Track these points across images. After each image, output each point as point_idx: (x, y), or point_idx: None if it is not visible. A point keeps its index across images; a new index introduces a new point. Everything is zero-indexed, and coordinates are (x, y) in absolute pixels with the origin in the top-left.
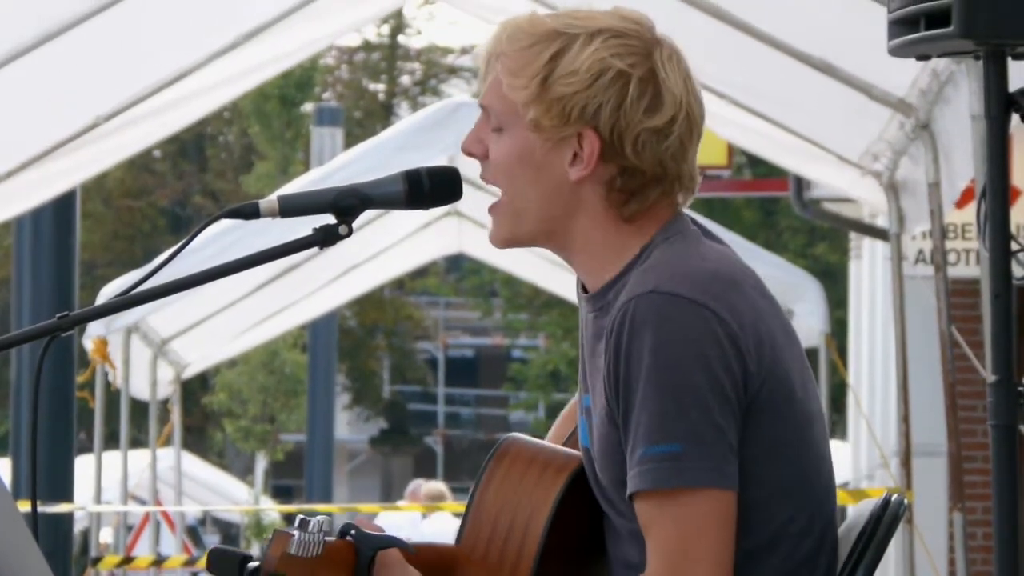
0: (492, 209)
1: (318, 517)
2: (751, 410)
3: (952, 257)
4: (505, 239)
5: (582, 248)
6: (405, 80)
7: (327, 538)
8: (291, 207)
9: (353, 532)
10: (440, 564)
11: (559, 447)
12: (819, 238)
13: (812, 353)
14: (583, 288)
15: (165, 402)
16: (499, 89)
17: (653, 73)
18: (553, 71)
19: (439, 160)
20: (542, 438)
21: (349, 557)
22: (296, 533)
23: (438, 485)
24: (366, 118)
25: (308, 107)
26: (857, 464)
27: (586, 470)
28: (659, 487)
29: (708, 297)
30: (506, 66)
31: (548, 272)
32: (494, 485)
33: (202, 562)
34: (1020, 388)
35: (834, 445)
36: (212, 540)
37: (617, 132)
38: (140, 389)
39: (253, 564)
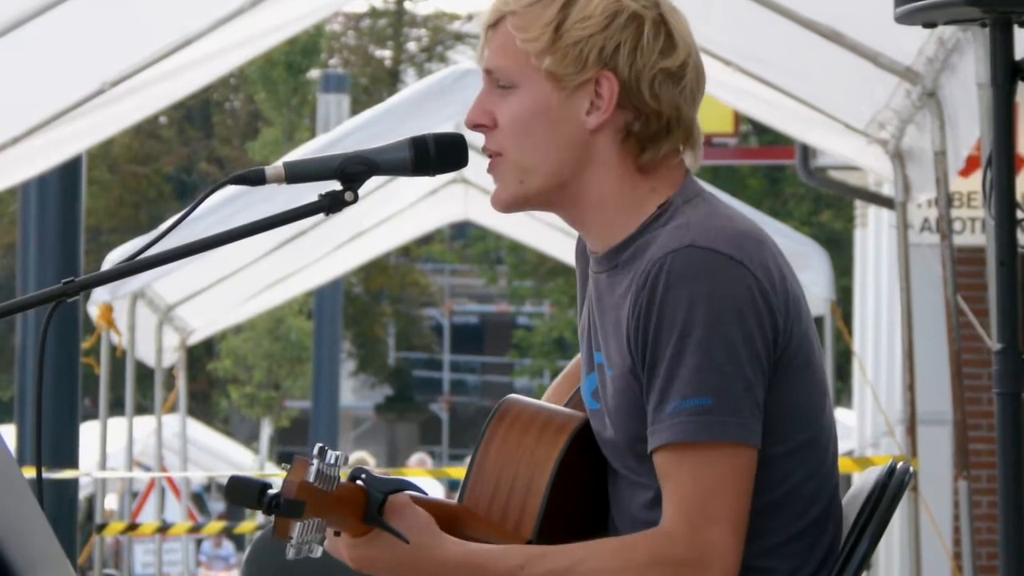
0: (493, 168)
1: (335, 452)
2: (778, 366)
3: (958, 225)
4: (511, 199)
5: (595, 204)
6: (412, 47)
7: (339, 475)
8: (297, 173)
9: (363, 476)
10: (444, 519)
11: (559, 407)
12: (824, 206)
13: (818, 321)
14: (586, 250)
15: (170, 368)
16: (509, 46)
17: (663, 17)
18: (567, 17)
19: (445, 127)
20: None
21: (360, 500)
22: (315, 462)
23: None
24: (372, 85)
25: (314, 74)
26: (862, 432)
27: (593, 428)
28: (687, 440)
29: (743, 254)
30: (515, 23)
31: (554, 239)
32: (495, 445)
33: (207, 529)
34: None
35: (839, 413)
36: (217, 507)
37: (635, 73)
38: (145, 355)
39: (272, 491)
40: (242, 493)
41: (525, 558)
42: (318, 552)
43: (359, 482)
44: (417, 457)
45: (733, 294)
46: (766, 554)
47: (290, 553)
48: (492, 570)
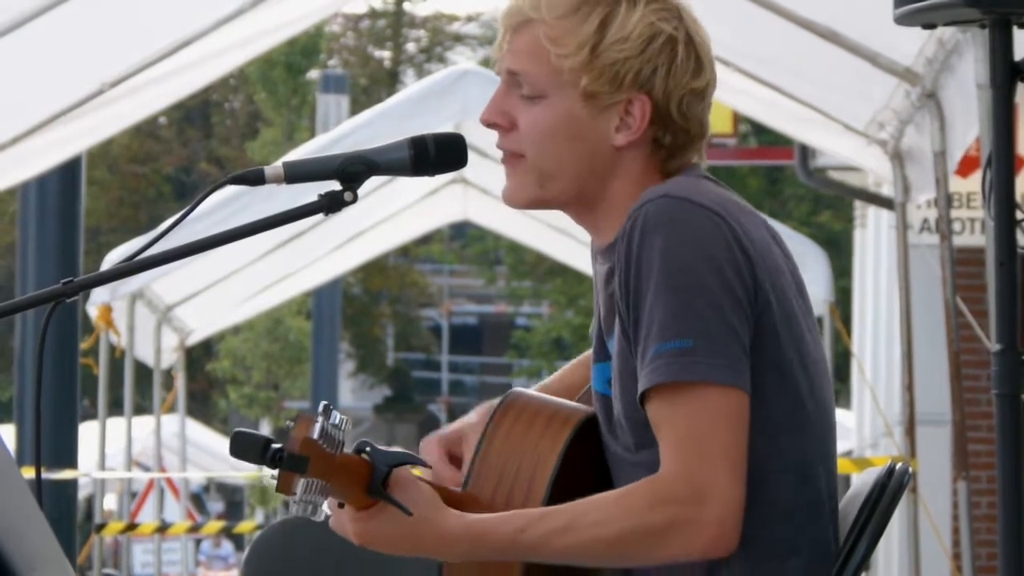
0: (511, 166)
1: (340, 416)
2: (759, 320)
3: (957, 226)
4: (528, 200)
5: (609, 206)
6: (411, 47)
7: (342, 439)
8: (296, 173)
9: (368, 448)
10: (448, 501)
11: (564, 400)
12: (824, 206)
13: (816, 322)
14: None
15: (169, 369)
16: (539, 56)
17: (690, 36)
18: (604, 37)
19: (445, 127)
20: None
21: (364, 472)
22: (320, 420)
23: None
24: (372, 85)
25: (314, 74)
26: (861, 433)
27: (600, 417)
28: (670, 380)
29: (718, 206)
30: (548, 34)
31: (553, 239)
32: (500, 436)
33: (206, 528)
34: None
35: (838, 414)
36: (216, 507)
37: (667, 95)
38: (144, 355)
39: (275, 445)
40: (246, 447)
41: (525, 521)
42: (320, 515)
43: (364, 455)
44: None
45: (709, 240)
46: (764, 521)
47: (293, 509)
48: (493, 537)
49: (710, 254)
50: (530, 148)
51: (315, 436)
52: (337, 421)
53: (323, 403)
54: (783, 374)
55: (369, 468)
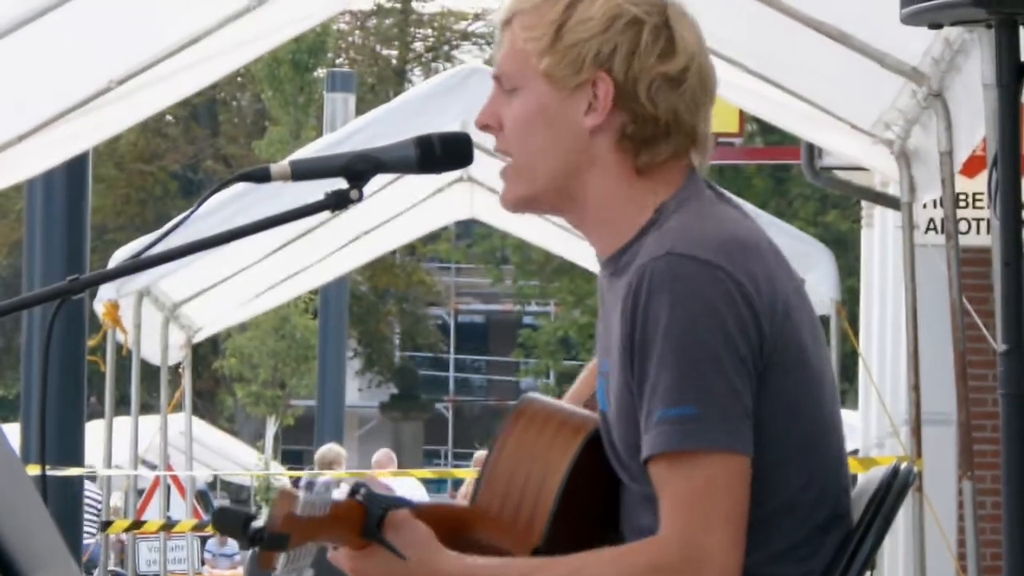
0: (503, 172)
1: (324, 478)
2: (766, 371)
3: (963, 226)
4: (517, 199)
5: (595, 206)
6: (418, 46)
7: (335, 498)
8: (303, 171)
9: (362, 490)
10: (453, 522)
11: (576, 408)
12: (830, 206)
13: (823, 322)
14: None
15: (176, 367)
16: (515, 47)
17: (667, 23)
18: (568, 19)
19: (451, 126)
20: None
21: (358, 516)
22: (302, 494)
23: (334, 448)
24: (379, 84)
25: (321, 72)
26: (867, 432)
27: (602, 434)
28: (673, 449)
29: (723, 259)
30: (522, 22)
31: (560, 238)
32: (510, 444)
33: (212, 527)
34: None
35: (844, 413)
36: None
37: (631, 76)
38: (151, 353)
39: (257, 524)
40: (228, 524)
41: (523, 571)
42: (308, 574)
43: (358, 497)
44: (384, 451)
45: (712, 300)
46: (770, 562)
47: None
48: None
49: (714, 313)
50: (512, 144)
51: (297, 512)
52: (321, 489)
53: (304, 479)
54: (794, 414)
55: (363, 511)
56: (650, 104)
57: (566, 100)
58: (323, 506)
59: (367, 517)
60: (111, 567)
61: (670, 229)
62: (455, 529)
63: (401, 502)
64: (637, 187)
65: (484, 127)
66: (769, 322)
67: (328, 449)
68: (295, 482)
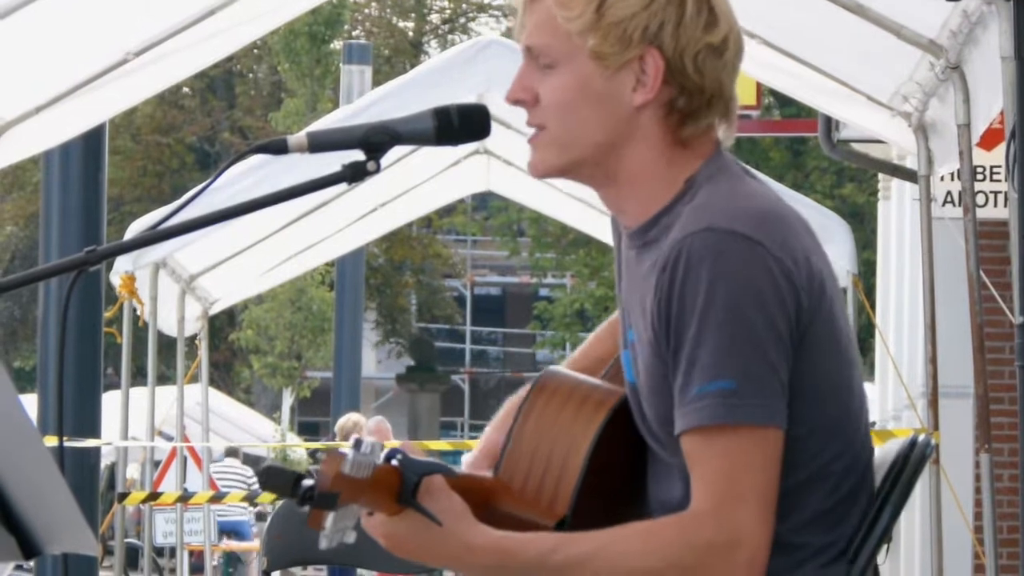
0: (534, 140)
1: (370, 439)
2: (802, 345)
3: (980, 199)
4: (549, 167)
5: (630, 178)
6: (434, 18)
7: (376, 462)
8: (320, 143)
9: (399, 456)
10: (479, 493)
11: (598, 381)
12: (847, 179)
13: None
14: (619, 224)
15: (192, 338)
16: (550, 24)
17: None
18: None
19: (468, 98)
20: None
21: (394, 481)
22: (350, 453)
23: (352, 417)
24: (395, 55)
25: (337, 44)
26: (884, 405)
27: (631, 405)
28: (711, 423)
29: (762, 234)
30: (556, 1)
31: (576, 210)
32: (533, 418)
33: (228, 498)
34: None
35: None
36: None
37: (679, 50)
38: (168, 325)
39: (307, 482)
40: (277, 483)
41: (553, 544)
42: (351, 538)
43: (394, 462)
44: (376, 419)
45: (752, 275)
46: (799, 529)
47: (323, 543)
48: (520, 556)
49: (754, 288)
50: (550, 118)
51: (346, 471)
52: (368, 449)
53: (354, 436)
54: (829, 388)
55: (399, 477)
56: (697, 76)
57: (612, 78)
58: (368, 467)
59: (403, 482)
60: (128, 539)
61: (705, 204)
62: (481, 499)
63: (437, 468)
64: (674, 159)
65: (516, 101)
66: (808, 296)
67: (346, 419)
68: (313, 456)
